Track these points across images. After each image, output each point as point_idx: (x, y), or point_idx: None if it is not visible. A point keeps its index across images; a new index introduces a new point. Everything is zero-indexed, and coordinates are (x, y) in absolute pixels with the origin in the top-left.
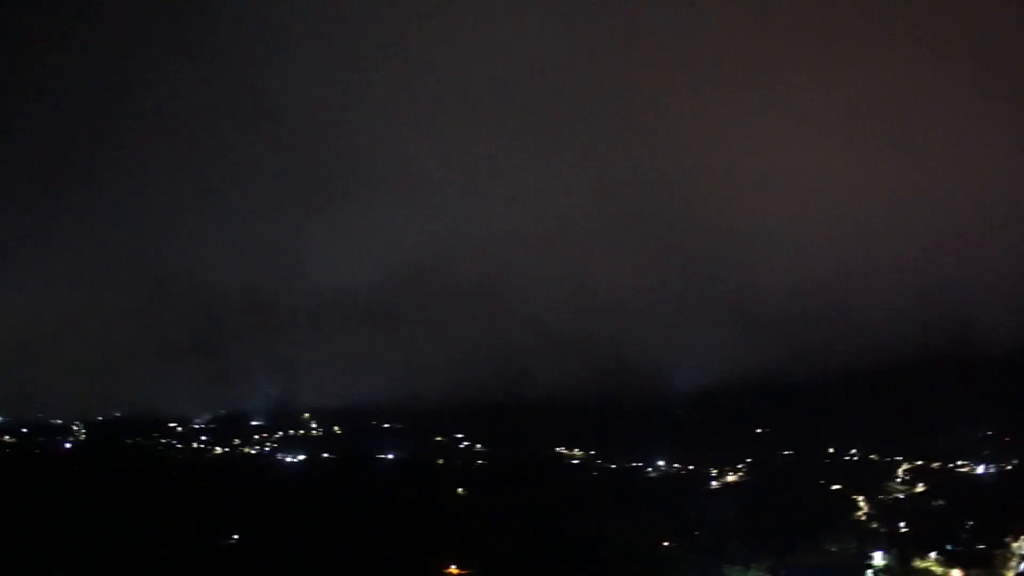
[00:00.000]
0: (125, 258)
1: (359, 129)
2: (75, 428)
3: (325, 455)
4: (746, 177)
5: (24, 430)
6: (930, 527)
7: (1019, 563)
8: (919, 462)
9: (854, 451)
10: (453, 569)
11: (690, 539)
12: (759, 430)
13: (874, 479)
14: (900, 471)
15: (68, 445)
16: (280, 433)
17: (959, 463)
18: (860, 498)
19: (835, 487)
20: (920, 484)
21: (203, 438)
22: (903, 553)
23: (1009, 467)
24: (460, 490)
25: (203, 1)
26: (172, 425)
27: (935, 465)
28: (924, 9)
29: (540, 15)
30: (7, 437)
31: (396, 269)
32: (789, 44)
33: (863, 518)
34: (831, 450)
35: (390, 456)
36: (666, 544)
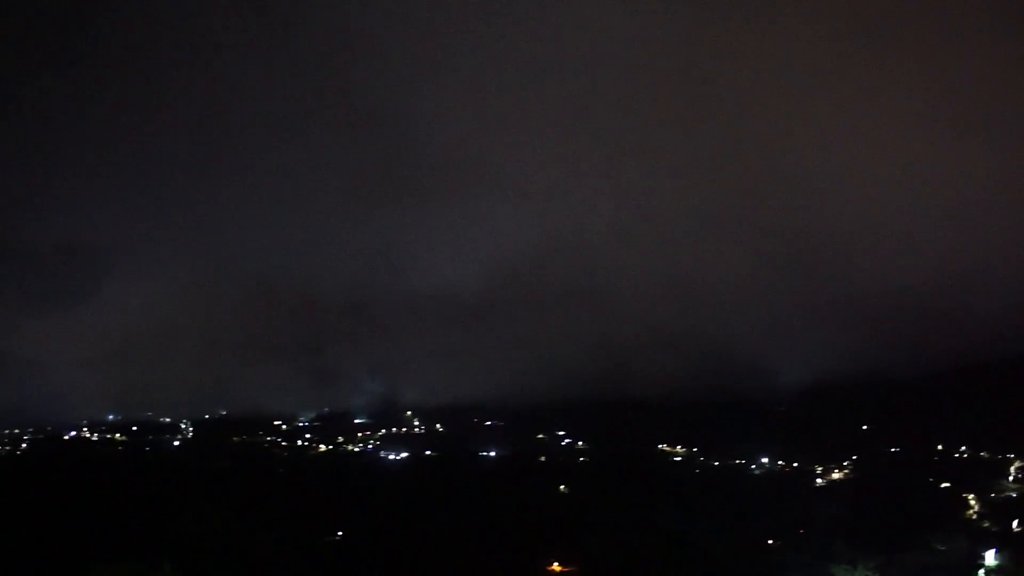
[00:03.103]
0: (231, 261)
1: (460, 130)
2: (183, 426)
3: (427, 452)
4: (848, 174)
5: (135, 428)
6: None
7: None
8: None
9: (963, 448)
10: (556, 566)
11: (795, 537)
12: (865, 427)
13: (985, 477)
14: (1012, 469)
15: (176, 443)
16: (383, 431)
17: None
18: (970, 496)
19: (944, 485)
20: None
21: (307, 436)
22: (1016, 553)
23: None
24: (562, 487)
25: (306, 6)
26: (277, 423)
27: None
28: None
29: (639, 17)
30: (119, 435)
31: (498, 267)
32: (888, 44)
33: (974, 517)
34: (939, 447)
35: (492, 454)
36: (771, 542)
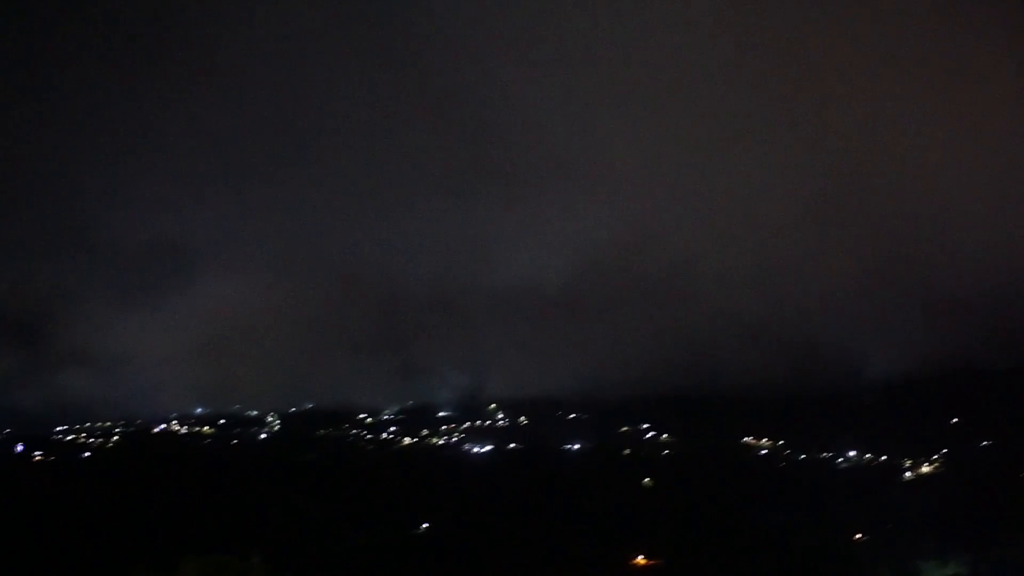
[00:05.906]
0: (316, 255)
1: (546, 122)
2: (269, 419)
3: (511, 446)
4: (938, 161)
5: (222, 421)
6: None
7: None
8: None
9: None
10: (640, 560)
11: (882, 532)
12: (955, 420)
13: None
14: None
15: (263, 436)
16: (467, 424)
17: None
18: None
19: None
20: None
21: (392, 429)
22: None
23: None
24: (647, 480)
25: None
26: (362, 416)
27: None
28: None
29: (730, 6)
30: (207, 428)
31: (584, 260)
32: (978, 22)
33: None
34: None
35: (576, 447)
36: (858, 537)
